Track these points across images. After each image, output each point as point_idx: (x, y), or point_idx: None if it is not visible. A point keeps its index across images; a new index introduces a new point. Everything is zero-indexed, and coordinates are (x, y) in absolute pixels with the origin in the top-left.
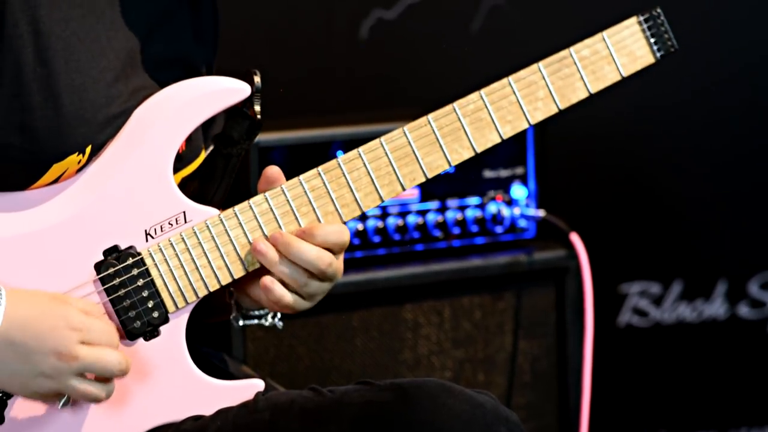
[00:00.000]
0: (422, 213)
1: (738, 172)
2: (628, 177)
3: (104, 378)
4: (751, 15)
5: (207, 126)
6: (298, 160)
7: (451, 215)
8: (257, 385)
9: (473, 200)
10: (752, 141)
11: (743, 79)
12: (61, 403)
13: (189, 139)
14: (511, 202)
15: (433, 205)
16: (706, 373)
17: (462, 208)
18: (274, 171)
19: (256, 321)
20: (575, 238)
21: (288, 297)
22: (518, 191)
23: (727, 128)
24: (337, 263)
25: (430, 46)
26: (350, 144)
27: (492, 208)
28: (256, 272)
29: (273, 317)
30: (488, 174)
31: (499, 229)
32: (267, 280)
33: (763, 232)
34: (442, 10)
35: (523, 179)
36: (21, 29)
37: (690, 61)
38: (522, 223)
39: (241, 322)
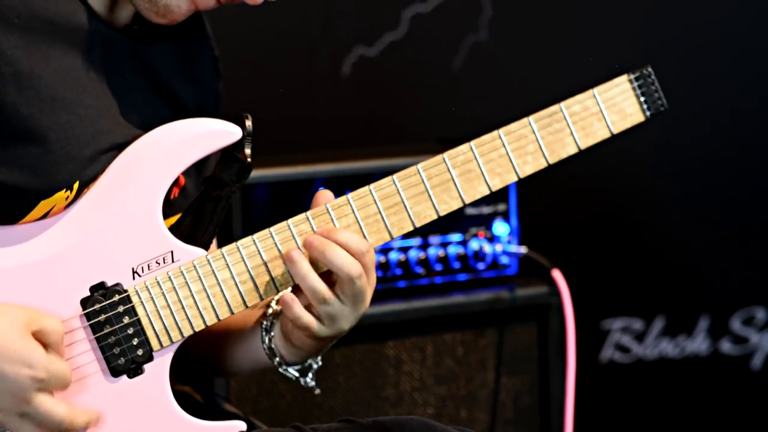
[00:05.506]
0: (404, 250)
1: (719, 210)
2: (609, 214)
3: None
4: (735, 65)
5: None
6: (281, 197)
7: (433, 252)
8: (239, 425)
9: (455, 237)
10: (733, 180)
11: (726, 121)
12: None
13: (183, 189)
14: (493, 239)
15: (415, 241)
16: (688, 409)
17: (444, 245)
18: (327, 195)
19: (294, 375)
20: (557, 275)
21: (307, 316)
22: (500, 228)
23: (708, 166)
24: (364, 281)
25: (412, 83)
26: (332, 181)
27: (474, 244)
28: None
29: (305, 376)
30: (470, 211)
31: (481, 266)
32: (287, 296)
33: (745, 268)
34: (424, 47)
35: (505, 216)
36: (1, 70)
37: (671, 106)
38: (504, 259)
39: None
